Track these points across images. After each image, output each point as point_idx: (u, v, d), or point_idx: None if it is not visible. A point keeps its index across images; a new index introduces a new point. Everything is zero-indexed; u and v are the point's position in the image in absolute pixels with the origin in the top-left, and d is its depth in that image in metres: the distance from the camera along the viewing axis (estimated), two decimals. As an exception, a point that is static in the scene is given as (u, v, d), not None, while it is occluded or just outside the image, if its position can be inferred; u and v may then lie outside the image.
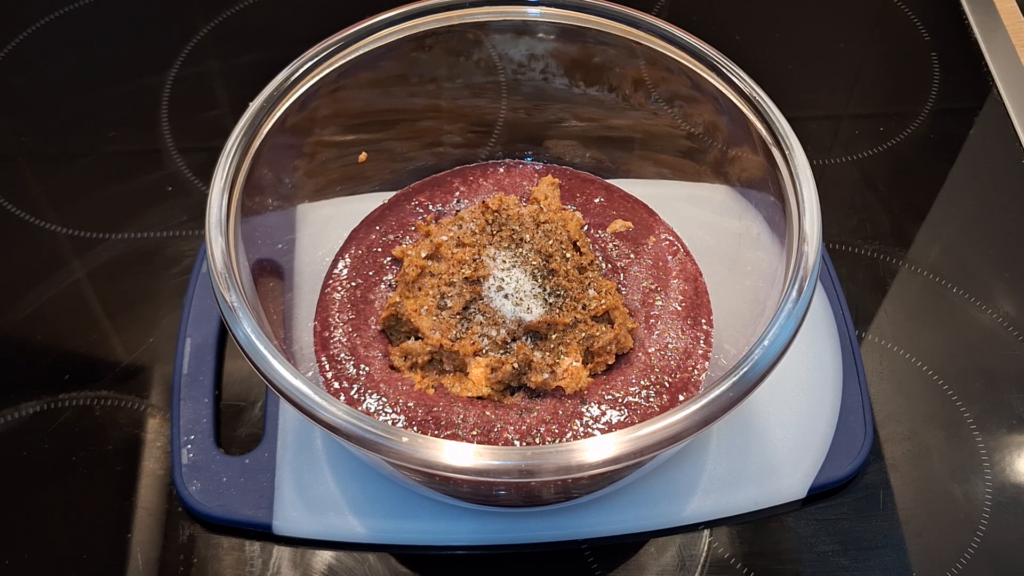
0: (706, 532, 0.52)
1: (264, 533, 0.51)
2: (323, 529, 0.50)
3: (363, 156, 0.58)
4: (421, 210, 0.58)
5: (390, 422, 0.47)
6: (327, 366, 0.51)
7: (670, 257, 0.55)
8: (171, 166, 0.68)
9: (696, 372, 0.50)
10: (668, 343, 0.51)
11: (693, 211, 0.58)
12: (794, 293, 0.43)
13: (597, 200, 0.58)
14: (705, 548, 0.51)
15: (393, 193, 0.59)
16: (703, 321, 0.52)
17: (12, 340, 0.59)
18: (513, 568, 0.51)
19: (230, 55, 0.76)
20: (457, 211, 0.57)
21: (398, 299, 0.51)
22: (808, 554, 0.52)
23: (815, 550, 0.52)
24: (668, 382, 0.49)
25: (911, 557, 0.51)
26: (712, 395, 0.40)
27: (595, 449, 0.38)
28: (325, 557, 0.51)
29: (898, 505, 0.53)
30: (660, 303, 0.53)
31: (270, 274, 0.52)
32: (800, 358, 0.56)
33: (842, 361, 0.56)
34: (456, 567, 0.51)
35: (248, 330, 0.42)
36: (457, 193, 0.59)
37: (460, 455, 0.38)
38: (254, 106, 0.49)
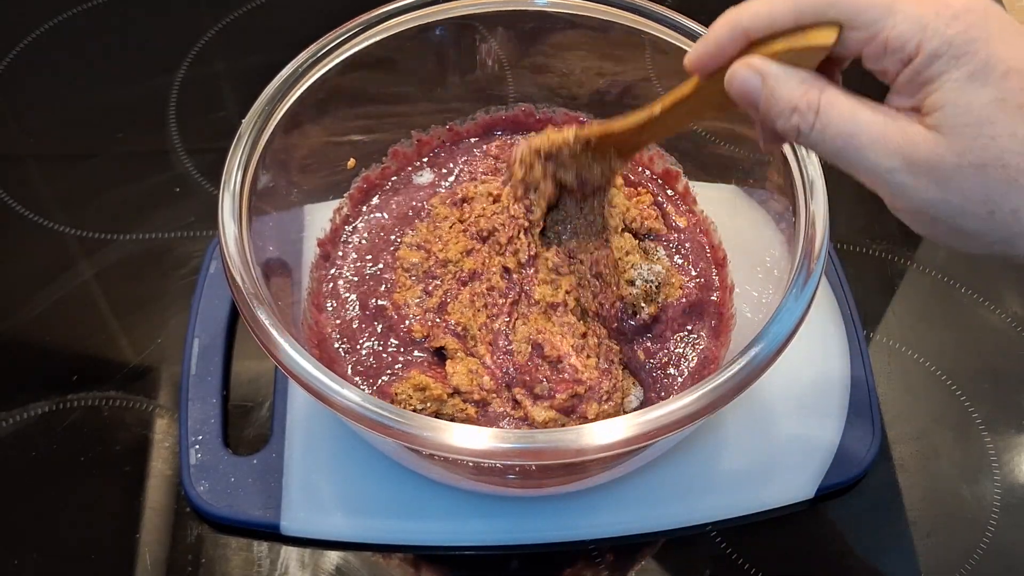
0: (714, 532, 0.52)
1: (272, 533, 0.51)
2: (331, 529, 0.50)
3: (351, 162, 0.58)
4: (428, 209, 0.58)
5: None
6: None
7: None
8: (179, 167, 0.68)
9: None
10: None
11: (705, 207, 0.58)
12: (800, 280, 0.43)
13: None
14: (713, 548, 0.51)
15: (396, 192, 0.59)
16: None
17: (21, 341, 0.59)
18: (521, 568, 0.51)
19: (237, 56, 0.76)
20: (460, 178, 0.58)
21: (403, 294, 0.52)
22: (816, 554, 0.52)
23: (823, 550, 0.52)
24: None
25: (919, 558, 0.51)
26: (724, 376, 0.40)
27: (603, 433, 0.38)
28: (333, 557, 0.51)
29: (906, 506, 0.53)
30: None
31: (278, 273, 0.52)
32: (808, 358, 0.56)
33: (850, 361, 0.56)
34: (464, 567, 0.51)
35: (259, 314, 0.42)
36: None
37: (472, 437, 0.39)
38: (263, 97, 0.50)
